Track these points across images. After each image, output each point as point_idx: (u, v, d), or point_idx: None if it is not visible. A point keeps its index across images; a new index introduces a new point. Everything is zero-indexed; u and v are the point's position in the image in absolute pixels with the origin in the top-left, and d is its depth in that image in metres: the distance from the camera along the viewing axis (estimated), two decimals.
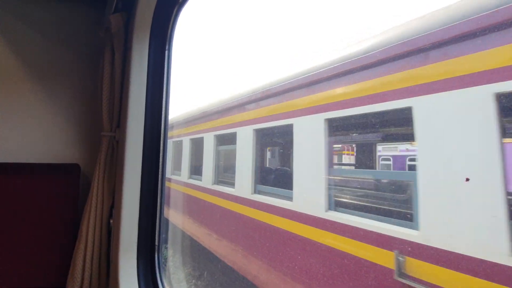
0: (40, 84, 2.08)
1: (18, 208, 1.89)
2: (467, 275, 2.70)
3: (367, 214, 3.89)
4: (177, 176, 11.12)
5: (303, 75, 5.07)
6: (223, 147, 8.01)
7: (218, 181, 7.88)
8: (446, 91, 2.82)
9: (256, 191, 6.14)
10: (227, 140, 7.73)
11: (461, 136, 2.71)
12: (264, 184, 6.26)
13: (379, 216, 3.72)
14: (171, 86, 2.00)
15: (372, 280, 3.50)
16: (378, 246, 3.47)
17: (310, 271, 4.44)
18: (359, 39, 4.32)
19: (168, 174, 10.61)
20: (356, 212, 4.04)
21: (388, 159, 9.67)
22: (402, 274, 3.14)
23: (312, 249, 4.44)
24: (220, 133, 7.78)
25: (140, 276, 1.86)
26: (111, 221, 1.95)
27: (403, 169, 8.58)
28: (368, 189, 5.78)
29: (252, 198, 6.08)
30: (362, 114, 3.89)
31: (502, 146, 2.45)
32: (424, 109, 3.04)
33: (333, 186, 4.56)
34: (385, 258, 3.36)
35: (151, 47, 1.93)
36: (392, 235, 3.33)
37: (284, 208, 5.16)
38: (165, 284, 1.92)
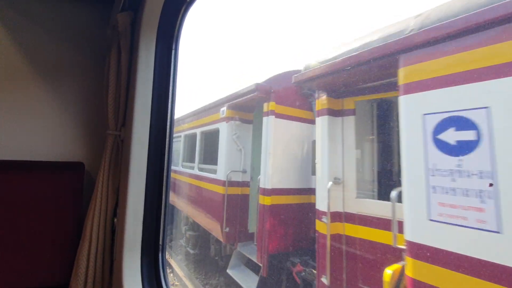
0: (46, 82, 2.07)
1: (22, 205, 1.89)
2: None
3: None
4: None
5: None
6: None
7: None
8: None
9: None
10: None
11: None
12: None
13: None
14: (177, 84, 2.01)
15: None
16: None
17: None
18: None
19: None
20: None
21: None
22: None
23: None
24: None
25: (144, 276, 1.86)
26: (115, 220, 1.94)
27: None
28: None
29: None
30: None
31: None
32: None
33: None
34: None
35: (158, 47, 1.93)
36: None
37: None
38: (169, 284, 1.92)
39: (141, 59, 1.88)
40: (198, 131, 9.45)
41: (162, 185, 1.95)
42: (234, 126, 7.45)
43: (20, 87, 2.01)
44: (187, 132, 10.68)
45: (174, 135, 12.21)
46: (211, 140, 8.53)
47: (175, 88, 1.99)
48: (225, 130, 7.46)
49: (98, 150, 2.11)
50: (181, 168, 10.72)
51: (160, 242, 1.93)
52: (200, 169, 8.90)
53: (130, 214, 1.84)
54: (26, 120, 2.01)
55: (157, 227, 1.93)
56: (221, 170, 7.35)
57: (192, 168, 9.52)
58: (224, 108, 7.61)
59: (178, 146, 11.68)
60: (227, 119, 7.48)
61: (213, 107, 8.45)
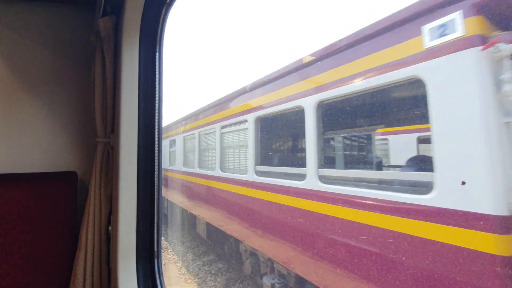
0: (33, 92, 2.07)
1: (17, 218, 1.89)
2: None
3: None
4: None
5: None
6: None
7: None
8: None
9: None
10: None
11: None
12: None
13: None
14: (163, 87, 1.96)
15: None
16: None
17: None
18: None
19: None
20: None
21: None
22: None
23: None
24: None
25: (140, 282, 1.83)
26: (110, 227, 1.94)
27: None
28: None
29: None
30: None
31: None
32: None
33: None
34: None
35: (142, 50, 1.90)
36: None
37: None
38: None
39: (125, 63, 1.86)
40: (308, 102, 4.84)
41: (154, 190, 1.92)
42: (501, 61, 2.92)
43: (5, 98, 2.01)
44: (269, 111, 5.88)
45: (228, 121, 7.52)
46: (362, 114, 4.75)
47: (161, 90, 1.96)
48: (473, 75, 2.92)
49: (90, 158, 2.11)
50: (254, 178, 6.18)
51: (155, 248, 1.90)
52: (330, 181, 4.52)
53: (123, 221, 1.82)
54: (13, 132, 2.02)
55: (151, 233, 1.90)
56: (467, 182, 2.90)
57: (299, 177, 5.03)
58: (457, 17, 3.04)
59: (238, 140, 7.10)
60: (474, 41, 2.96)
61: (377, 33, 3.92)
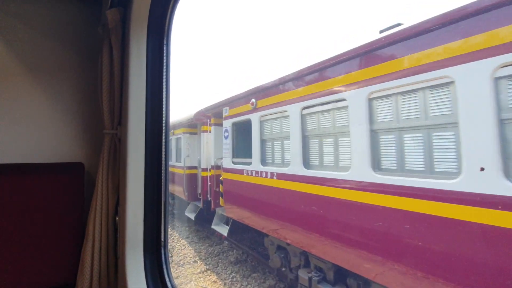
0: (41, 84, 2.07)
1: (25, 208, 1.91)
2: None
3: None
4: None
5: None
6: None
7: None
8: None
9: None
10: None
11: None
12: None
13: None
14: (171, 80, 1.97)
15: None
16: None
17: None
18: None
19: None
20: None
21: None
22: None
23: None
24: None
25: (147, 272, 1.87)
26: (117, 218, 1.96)
27: None
28: None
29: None
30: None
31: None
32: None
33: None
34: None
35: (149, 42, 1.90)
36: None
37: None
38: (172, 279, 1.92)
39: (133, 55, 1.85)
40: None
41: (161, 182, 1.94)
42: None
43: (14, 90, 2.01)
44: None
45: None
46: None
47: (169, 83, 1.96)
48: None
49: (97, 149, 2.12)
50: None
51: (162, 239, 1.94)
52: None
53: (130, 212, 1.85)
54: (23, 123, 2.03)
55: (158, 223, 1.93)
56: None
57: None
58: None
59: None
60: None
61: None
